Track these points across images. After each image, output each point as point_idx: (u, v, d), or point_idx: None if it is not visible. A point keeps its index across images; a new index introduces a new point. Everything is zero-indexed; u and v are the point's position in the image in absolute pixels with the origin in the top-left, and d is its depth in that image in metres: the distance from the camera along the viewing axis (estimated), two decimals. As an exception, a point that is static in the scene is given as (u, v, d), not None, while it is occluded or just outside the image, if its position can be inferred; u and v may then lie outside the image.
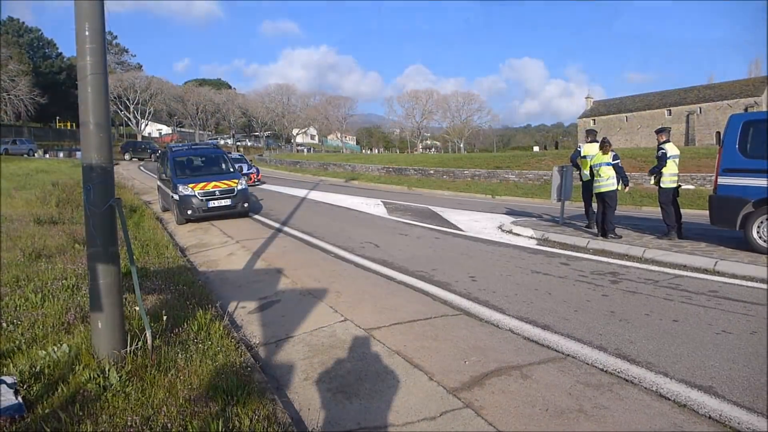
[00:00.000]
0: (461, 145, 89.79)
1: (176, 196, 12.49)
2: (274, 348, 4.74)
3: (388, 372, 4.06)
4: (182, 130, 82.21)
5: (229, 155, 20.27)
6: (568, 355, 4.29)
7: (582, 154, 10.36)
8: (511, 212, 14.19)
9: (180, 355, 4.03)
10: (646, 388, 3.67)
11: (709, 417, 3.27)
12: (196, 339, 4.39)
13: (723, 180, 8.19)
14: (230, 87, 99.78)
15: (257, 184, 24.50)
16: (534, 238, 9.94)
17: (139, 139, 65.45)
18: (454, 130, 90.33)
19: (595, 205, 9.85)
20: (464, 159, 36.71)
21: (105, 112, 3.91)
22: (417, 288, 6.45)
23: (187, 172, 13.68)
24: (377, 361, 4.27)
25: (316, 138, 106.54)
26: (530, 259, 8.04)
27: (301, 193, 20.83)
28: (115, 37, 76.75)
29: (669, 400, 3.50)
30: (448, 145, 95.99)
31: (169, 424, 3.05)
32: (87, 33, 3.78)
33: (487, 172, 26.50)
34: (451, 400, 3.57)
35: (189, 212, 12.41)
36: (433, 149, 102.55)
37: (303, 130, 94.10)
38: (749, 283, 6.36)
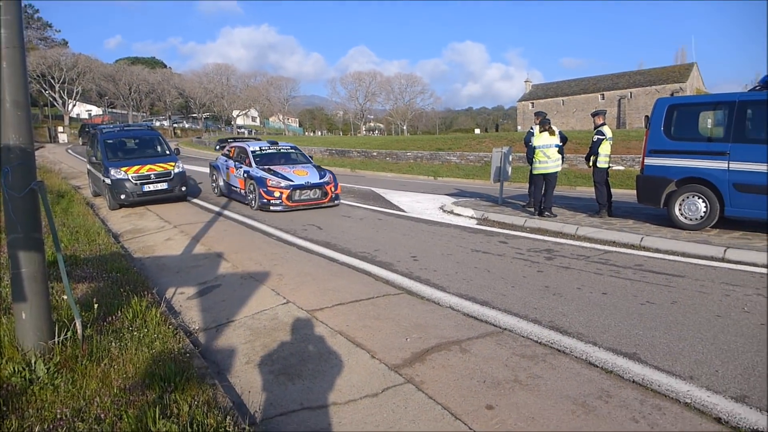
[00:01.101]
0: (404, 128, 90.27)
1: (108, 180, 11.90)
2: (215, 333, 4.66)
3: (330, 352, 4.08)
4: (114, 111, 78.20)
5: (282, 149, 13.10)
6: (506, 329, 4.45)
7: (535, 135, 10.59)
8: (452, 193, 14.44)
9: (114, 343, 3.88)
10: (576, 357, 3.87)
11: (633, 381, 3.49)
12: (131, 327, 4.24)
13: (649, 161, 8.65)
14: (165, 66, 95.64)
15: (334, 203, 11.85)
16: (474, 217, 10.18)
17: (66, 121, 61.81)
18: (397, 112, 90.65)
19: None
20: (407, 141, 36.95)
21: (23, 89, 3.66)
22: (360, 269, 6.48)
23: (120, 154, 13.02)
24: (320, 342, 4.28)
25: (258, 120, 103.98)
26: (470, 239, 8.24)
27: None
28: (37, 11, 71.51)
29: (597, 367, 3.70)
30: (392, 127, 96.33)
31: (102, 415, 2.95)
32: (0, 4, 3.50)
33: (429, 154, 26.79)
34: (393, 376, 3.64)
35: (122, 197, 11.87)
36: (377, 131, 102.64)
37: (244, 112, 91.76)
38: (671, 257, 6.79)
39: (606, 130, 9.45)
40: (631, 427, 2.95)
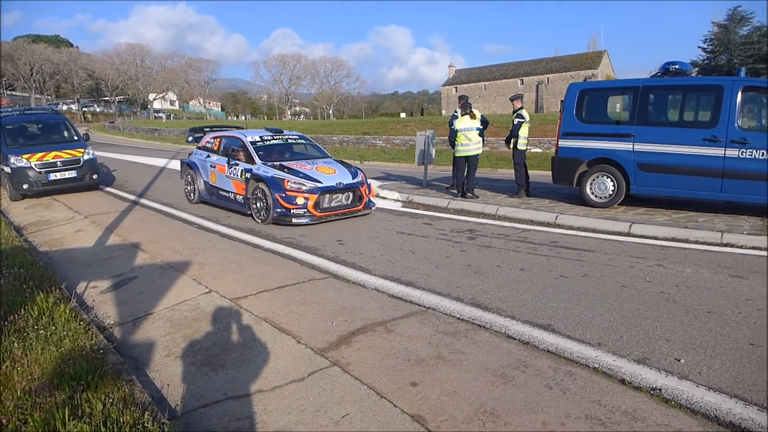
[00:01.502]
0: (330, 112, 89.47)
1: (8, 169, 10.97)
2: (132, 327, 4.45)
3: (255, 340, 4.01)
4: (14, 93, 71.92)
5: (289, 138, 9.98)
6: (429, 307, 4.56)
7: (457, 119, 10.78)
8: (378, 177, 14.50)
9: (16, 344, 3.61)
10: (496, 331, 4.04)
11: (548, 350, 3.69)
12: (37, 325, 3.96)
13: (563, 143, 9.10)
14: (72, 45, 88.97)
15: (370, 209, 9.07)
16: (399, 200, 10.31)
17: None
18: (322, 96, 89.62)
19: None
20: (333, 125, 36.72)
21: None
22: (285, 255, 6.40)
23: (21, 141, 12.00)
24: (244, 330, 4.20)
25: (177, 104, 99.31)
26: (395, 221, 8.35)
27: (160, 162, 19.43)
28: None
29: (515, 339, 3.88)
30: (318, 111, 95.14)
31: (4, 420, 2.74)
32: None
33: (355, 138, 26.77)
34: (319, 360, 3.64)
35: (25, 187, 10.99)
36: (302, 116, 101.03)
37: (161, 95, 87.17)
38: (583, 233, 7.21)
39: (524, 113, 9.83)
40: (546, 394, 3.13)
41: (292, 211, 8.01)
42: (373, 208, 9.19)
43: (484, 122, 10.05)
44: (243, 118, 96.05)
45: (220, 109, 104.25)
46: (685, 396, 3.05)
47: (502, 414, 2.93)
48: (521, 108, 9.90)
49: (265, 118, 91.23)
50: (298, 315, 4.45)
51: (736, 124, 7.37)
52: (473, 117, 9.74)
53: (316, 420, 2.94)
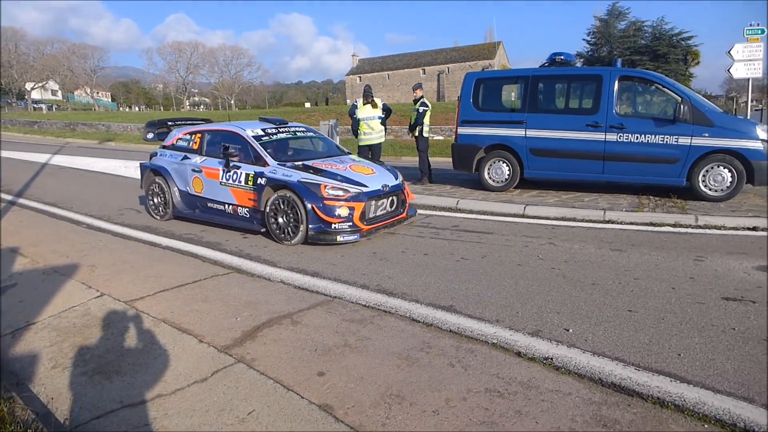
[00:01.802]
0: (232, 102, 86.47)
1: None
2: (11, 340, 4.05)
3: (153, 342, 3.81)
4: None
5: (298, 131, 7.99)
6: (336, 296, 4.57)
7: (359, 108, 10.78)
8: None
9: None
10: (401, 315, 4.14)
11: (450, 330, 3.84)
12: None
13: (461, 130, 9.44)
14: (-74, 28, 78.50)
15: (414, 216, 7.46)
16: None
17: None
18: (223, 85, 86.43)
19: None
20: (235, 116, 35.49)
21: None
22: (185, 251, 6.13)
23: None
24: (141, 334, 3.97)
25: (60, 94, 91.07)
26: (302, 212, 8.24)
27: (41, 158, 17.78)
28: None
29: (419, 322, 4.00)
30: (219, 101, 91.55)
31: None
32: None
33: (260, 129, 26.11)
34: (223, 358, 3.53)
35: None
36: (203, 106, 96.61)
37: (40, 85, 79.52)
38: (482, 217, 7.56)
39: (426, 101, 10.07)
40: (448, 372, 3.25)
41: (333, 225, 6.14)
42: (415, 216, 7.61)
43: (387, 111, 10.18)
44: (137, 109, 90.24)
45: (110, 100, 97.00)
46: (573, 363, 3.30)
47: (407, 395, 3.01)
48: (423, 97, 10.13)
49: (162, 108, 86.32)
50: (200, 313, 4.29)
51: (614, 111, 8.03)
52: (375, 106, 9.83)
53: (221, 419, 2.86)
